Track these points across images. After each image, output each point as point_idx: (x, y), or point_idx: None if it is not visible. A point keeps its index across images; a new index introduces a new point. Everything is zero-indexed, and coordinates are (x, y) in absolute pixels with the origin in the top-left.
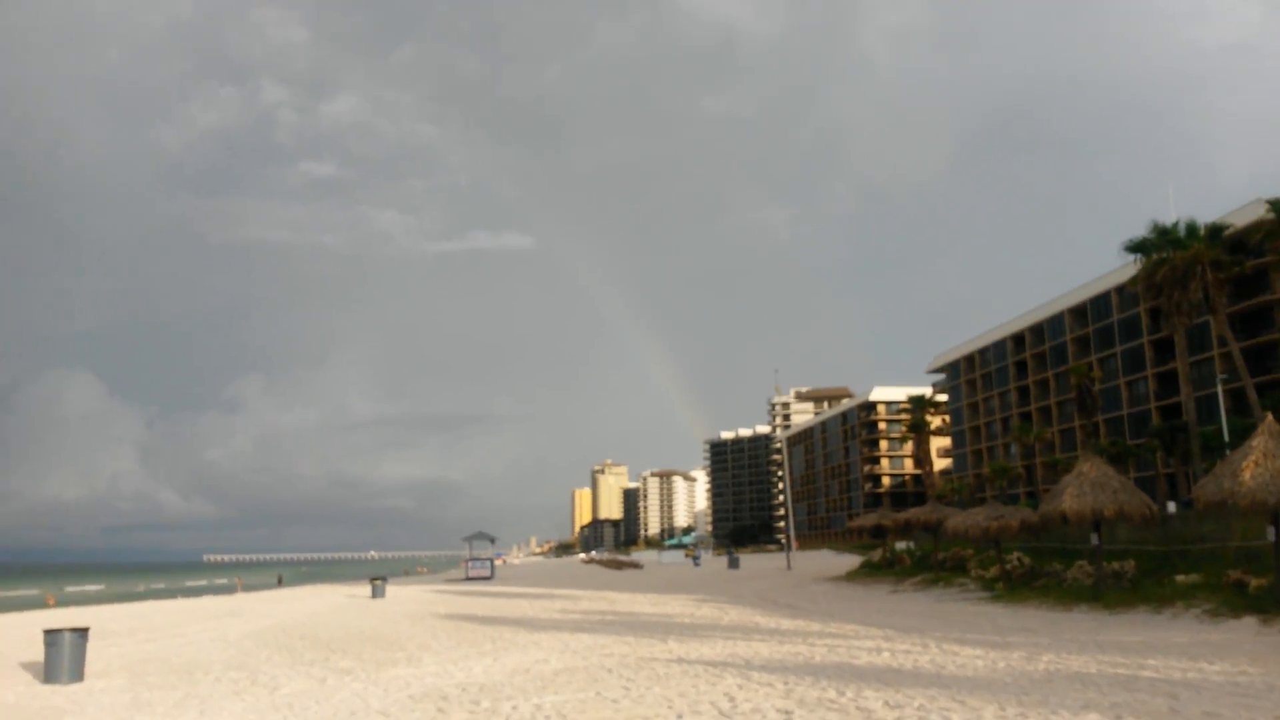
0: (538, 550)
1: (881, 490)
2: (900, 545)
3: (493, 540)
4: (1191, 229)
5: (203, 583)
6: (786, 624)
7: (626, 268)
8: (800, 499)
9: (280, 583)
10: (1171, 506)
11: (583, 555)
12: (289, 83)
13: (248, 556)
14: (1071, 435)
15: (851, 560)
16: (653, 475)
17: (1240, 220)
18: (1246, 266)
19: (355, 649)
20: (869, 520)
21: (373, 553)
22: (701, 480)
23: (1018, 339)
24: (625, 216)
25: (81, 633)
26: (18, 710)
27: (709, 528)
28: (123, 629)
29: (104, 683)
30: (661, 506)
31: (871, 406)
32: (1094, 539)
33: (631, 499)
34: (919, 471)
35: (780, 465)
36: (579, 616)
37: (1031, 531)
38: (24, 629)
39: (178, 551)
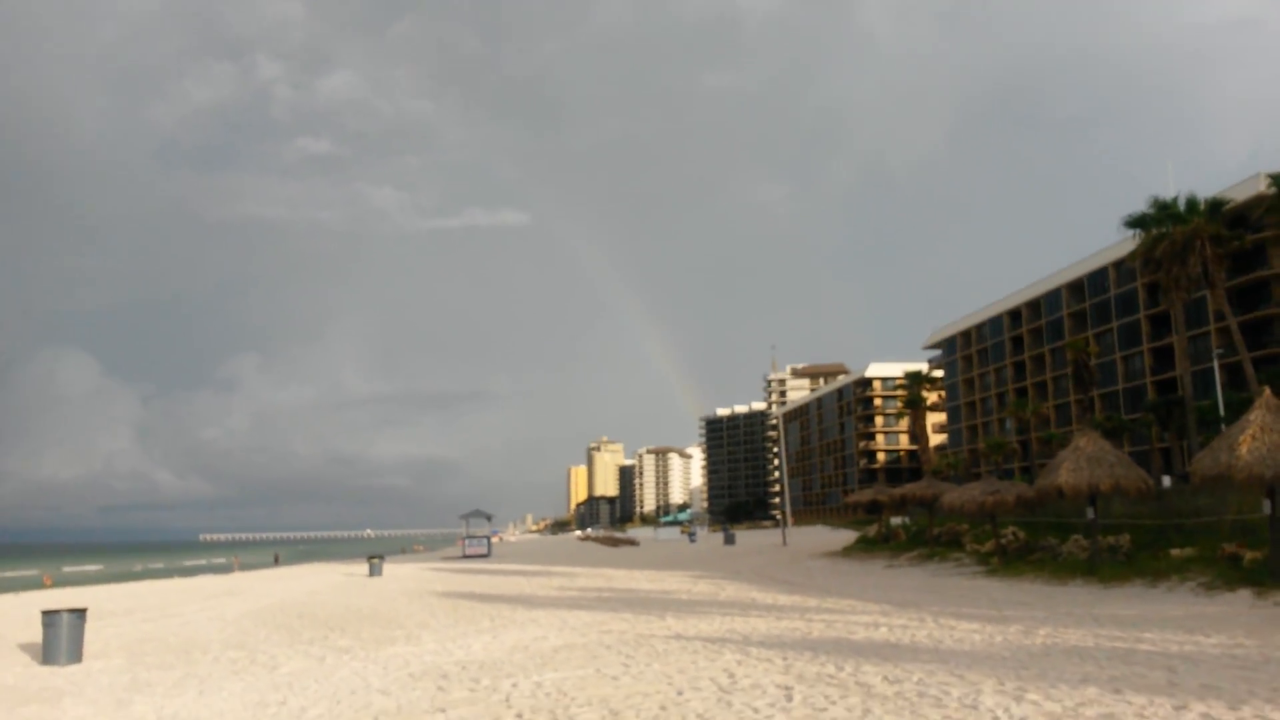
0: (534, 528)
1: (876, 466)
2: (895, 520)
3: (489, 518)
4: (1191, 204)
5: (201, 562)
6: (783, 600)
7: (623, 245)
8: (795, 475)
9: (277, 561)
10: (1167, 481)
11: (579, 533)
12: (285, 58)
13: (244, 535)
14: (1067, 410)
15: (847, 536)
16: (648, 452)
17: (1240, 195)
18: (1246, 241)
19: (354, 627)
20: (865, 496)
21: (369, 531)
22: (697, 457)
23: (1014, 314)
24: (622, 194)
25: (79, 613)
26: (17, 691)
27: (704, 504)
28: (120, 609)
29: (102, 663)
30: (657, 483)
31: (867, 383)
32: (1090, 513)
33: (627, 476)
34: (914, 447)
35: (776, 442)
36: (576, 594)
37: (1027, 506)
38: (21, 610)
39: (174, 531)
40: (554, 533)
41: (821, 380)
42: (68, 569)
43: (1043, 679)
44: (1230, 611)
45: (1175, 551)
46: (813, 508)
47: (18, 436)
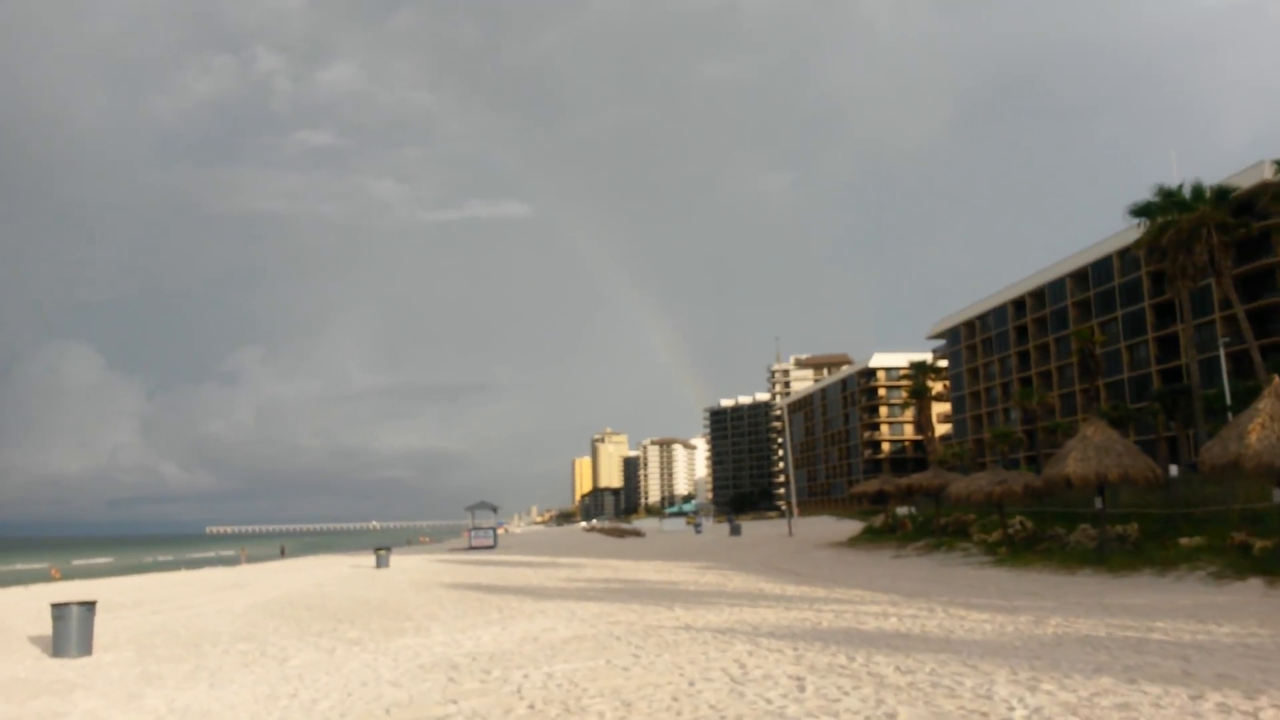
0: (538, 519)
1: (881, 456)
2: (902, 510)
3: (495, 509)
4: (1197, 191)
5: (209, 554)
6: (792, 590)
7: (625, 236)
8: (800, 466)
9: (283, 554)
10: (1173, 470)
11: (584, 524)
12: (284, 51)
13: (250, 528)
14: (1072, 400)
15: (852, 526)
16: (653, 443)
17: (1245, 182)
18: (1253, 228)
19: (363, 619)
20: (871, 486)
21: (375, 523)
22: (701, 448)
23: (1018, 304)
24: (623, 184)
25: (89, 606)
26: (28, 684)
27: (709, 495)
28: (129, 601)
29: (112, 656)
30: (662, 475)
31: (871, 373)
32: (1098, 502)
33: (632, 467)
34: (919, 437)
35: (780, 432)
36: (584, 584)
37: (1034, 496)
38: (31, 603)
39: (181, 523)
40: (559, 524)
41: (825, 371)
42: (77, 562)
43: (1056, 669)
44: (1241, 600)
45: (1184, 541)
46: (817, 498)
47: (24, 430)
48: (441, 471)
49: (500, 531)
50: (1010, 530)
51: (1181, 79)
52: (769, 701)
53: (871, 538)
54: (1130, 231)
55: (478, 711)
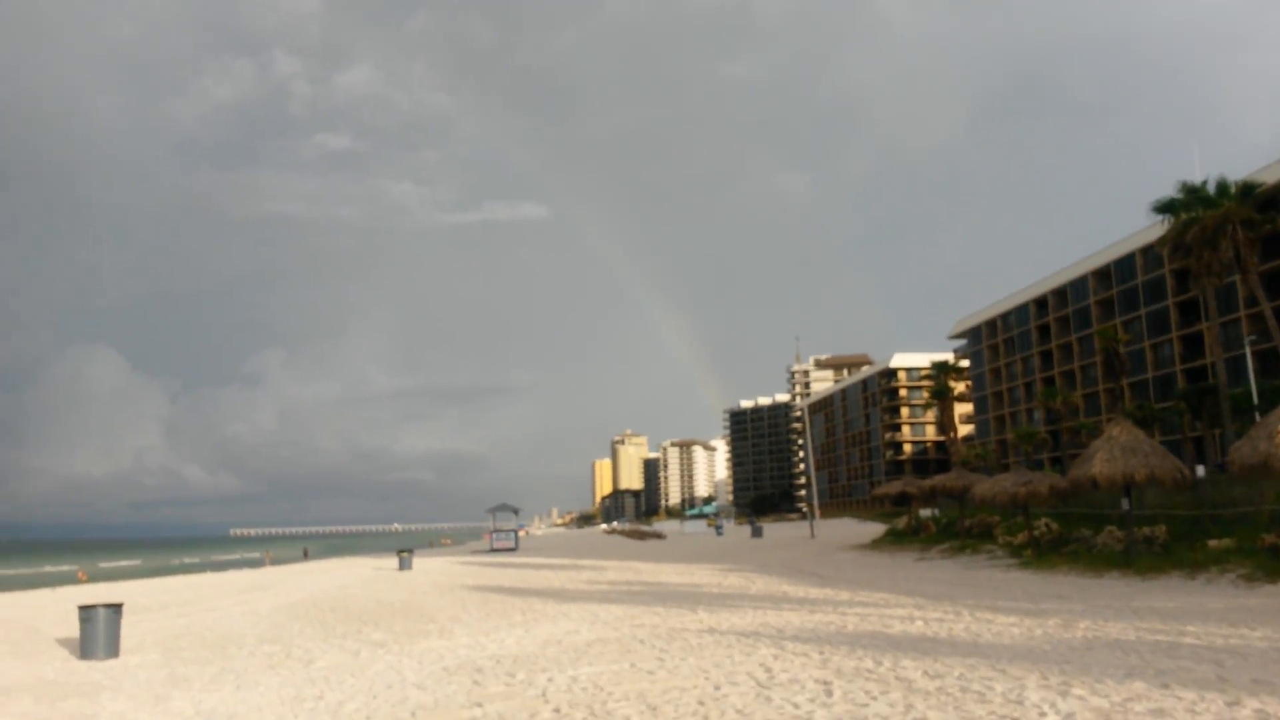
0: (559, 521)
1: (903, 458)
2: (925, 512)
3: (516, 511)
4: (1222, 187)
5: (234, 557)
6: (815, 593)
7: (643, 236)
8: (821, 467)
9: (306, 556)
10: (1200, 470)
11: (604, 526)
12: (302, 54)
13: (273, 530)
14: (1095, 399)
15: (874, 528)
16: (673, 445)
17: (1270, 178)
18: (1278, 224)
19: (386, 621)
20: (894, 487)
21: (396, 525)
22: (721, 450)
23: (1040, 302)
24: (641, 184)
25: (116, 608)
26: (56, 686)
27: (729, 497)
28: (155, 604)
29: (139, 658)
30: (682, 476)
31: (892, 373)
32: (1124, 504)
33: (652, 469)
34: (941, 438)
35: (800, 434)
36: (606, 587)
37: (1060, 497)
38: (58, 605)
39: (204, 526)
40: (579, 526)
41: (845, 371)
42: (104, 564)
43: (1087, 673)
44: (1273, 604)
45: (1213, 542)
46: (838, 500)
47: (48, 434)
48: (462, 473)
49: (521, 534)
50: (1036, 532)
51: (1202, 74)
52: (796, 706)
53: (894, 540)
54: (1153, 228)
55: (503, 715)
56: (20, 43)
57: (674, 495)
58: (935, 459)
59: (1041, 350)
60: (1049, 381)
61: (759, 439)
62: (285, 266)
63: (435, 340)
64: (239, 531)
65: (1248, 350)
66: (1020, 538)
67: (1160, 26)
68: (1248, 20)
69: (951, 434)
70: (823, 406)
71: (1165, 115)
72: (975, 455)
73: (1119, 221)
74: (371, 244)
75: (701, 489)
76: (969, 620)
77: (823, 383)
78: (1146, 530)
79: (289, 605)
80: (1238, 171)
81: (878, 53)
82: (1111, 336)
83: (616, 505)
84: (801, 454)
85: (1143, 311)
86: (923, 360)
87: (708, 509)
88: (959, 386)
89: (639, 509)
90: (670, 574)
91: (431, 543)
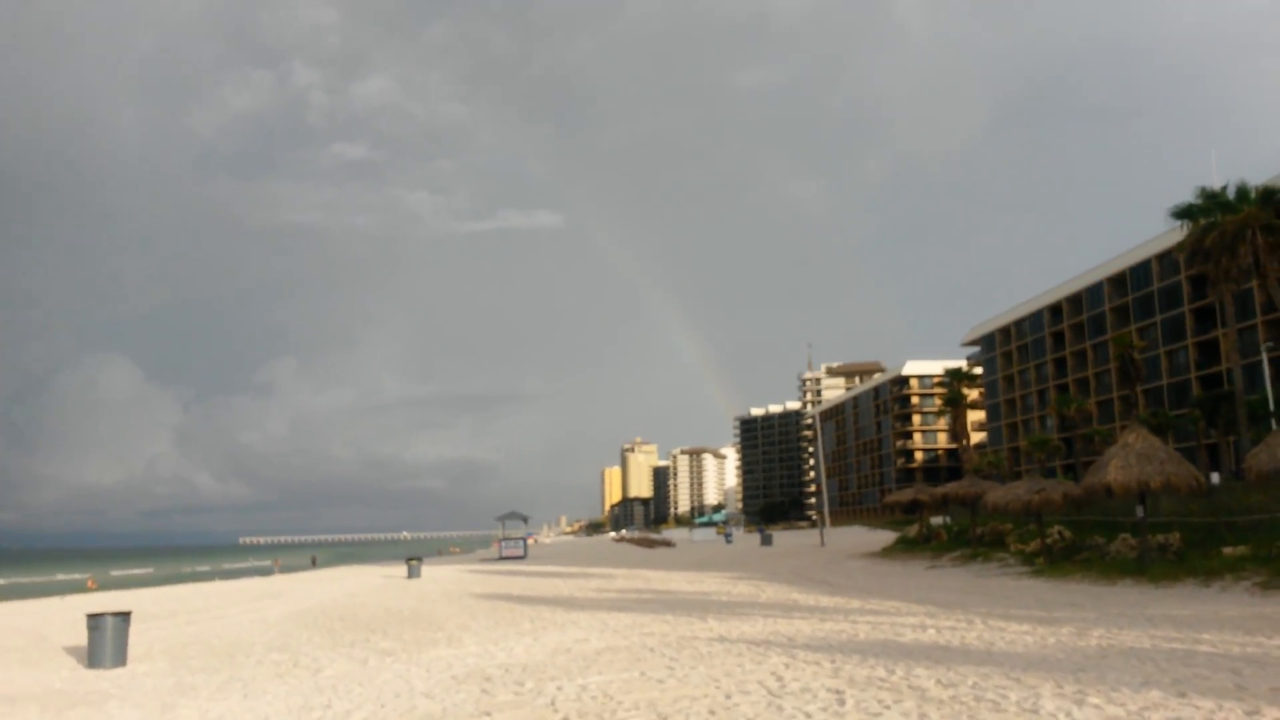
0: (568, 529)
1: (914, 466)
2: (936, 520)
3: (526, 519)
4: (1242, 192)
5: (243, 565)
6: (826, 601)
7: (657, 244)
8: (832, 475)
9: (315, 564)
10: (1215, 477)
11: (614, 534)
12: (320, 64)
13: (282, 538)
14: (1110, 407)
15: (885, 536)
16: (682, 453)
17: None
18: None
19: (395, 630)
20: (905, 495)
21: (405, 533)
22: (731, 458)
23: (1054, 309)
24: (655, 192)
25: (124, 616)
26: (63, 695)
27: (739, 505)
28: (163, 612)
29: (147, 666)
30: (691, 484)
31: (904, 381)
32: (1139, 511)
33: (661, 477)
34: (952, 446)
35: (811, 441)
36: (616, 595)
37: (1073, 505)
38: (66, 613)
39: (214, 534)
40: (588, 534)
41: (857, 379)
42: (116, 572)
43: (1102, 682)
44: None
45: (1228, 550)
46: (849, 508)
47: (61, 442)
48: (472, 481)
49: (530, 542)
50: (1048, 540)
51: (1219, 79)
52: (808, 716)
53: (905, 548)
54: (1169, 235)
55: None
56: (43, 54)
57: (683, 503)
58: (947, 467)
59: (1055, 357)
60: (1063, 389)
61: (769, 447)
62: (301, 275)
63: (449, 348)
64: (248, 539)
65: (1264, 357)
66: (1033, 546)
67: (1177, 31)
68: (1265, 25)
69: (964, 441)
70: (834, 414)
71: (1182, 121)
72: (987, 463)
73: (1135, 227)
74: (387, 253)
75: (711, 497)
76: (982, 628)
77: (834, 390)
78: (1160, 538)
79: (297, 613)
80: (1256, 177)
81: (894, 59)
82: (1127, 343)
83: (626, 513)
84: (811, 462)
85: (1158, 318)
86: (935, 367)
87: (717, 517)
88: (972, 394)
89: (648, 517)
90: (680, 582)
91: (440, 551)
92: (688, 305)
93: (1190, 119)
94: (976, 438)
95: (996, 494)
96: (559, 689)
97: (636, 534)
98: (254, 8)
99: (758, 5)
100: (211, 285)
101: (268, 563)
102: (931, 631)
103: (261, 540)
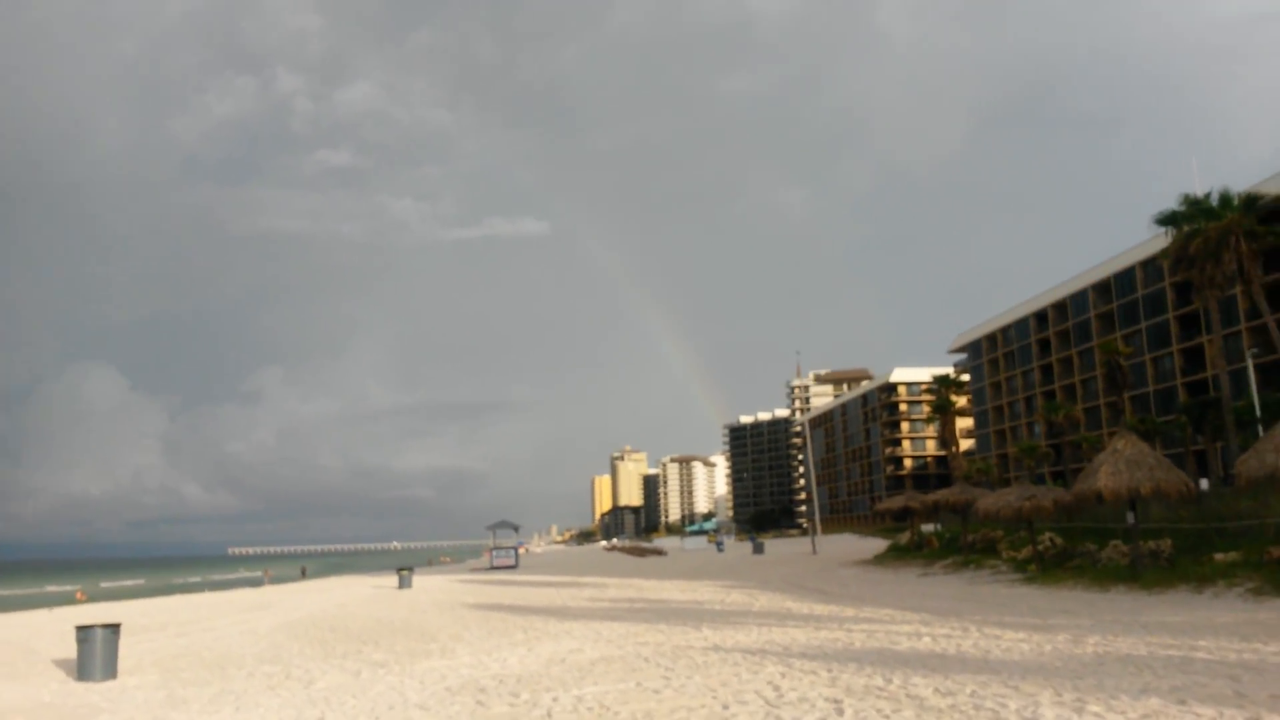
0: (558, 538)
1: (903, 473)
2: (927, 528)
3: (517, 528)
4: (1225, 199)
5: (236, 576)
6: (820, 609)
7: (643, 251)
8: (821, 483)
9: (304, 575)
10: (1204, 483)
11: (604, 543)
12: (304, 71)
13: (271, 549)
14: (1096, 413)
15: (875, 544)
16: (672, 461)
17: (1273, 190)
18: None
19: (387, 640)
20: (896, 502)
21: (395, 543)
22: (721, 465)
23: (1040, 316)
24: (641, 199)
25: (113, 629)
26: (54, 709)
27: (729, 513)
28: (153, 624)
29: (137, 679)
30: (682, 492)
31: (892, 388)
32: (1130, 517)
33: (651, 485)
34: (941, 453)
35: (800, 449)
36: (609, 604)
37: (1064, 511)
38: (55, 625)
39: (202, 545)
40: (579, 543)
41: (845, 386)
42: (106, 584)
43: (1101, 689)
44: None
45: (1219, 556)
46: (839, 515)
47: (47, 452)
48: (461, 491)
49: (521, 551)
50: (1040, 547)
51: (1202, 88)
52: None
53: (897, 555)
54: (1153, 242)
55: None
56: (26, 60)
57: (674, 512)
58: (936, 474)
59: (1042, 364)
60: (1049, 395)
61: (759, 454)
62: (286, 283)
63: (435, 356)
64: (237, 550)
65: (1250, 363)
66: (1025, 552)
67: (1160, 40)
68: (1247, 34)
69: (953, 448)
70: (823, 421)
71: (1165, 129)
72: (976, 470)
73: (1119, 235)
74: (372, 260)
75: (701, 505)
76: (977, 636)
77: (822, 398)
78: (1151, 544)
79: (288, 625)
80: (1236, 184)
81: (878, 67)
82: (1114, 349)
83: (616, 522)
84: (801, 469)
85: (1143, 325)
86: (923, 374)
87: (708, 525)
88: (960, 401)
89: (639, 525)
90: (672, 591)
91: (431, 561)
92: (675, 312)
93: (1172, 127)
94: (965, 444)
95: (987, 501)
96: (554, 700)
97: (627, 543)
98: (237, 14)
99: (741, 13)
100: (196, 293)
101: (258, 574)
102: (927, 639)
103: (250, 551)
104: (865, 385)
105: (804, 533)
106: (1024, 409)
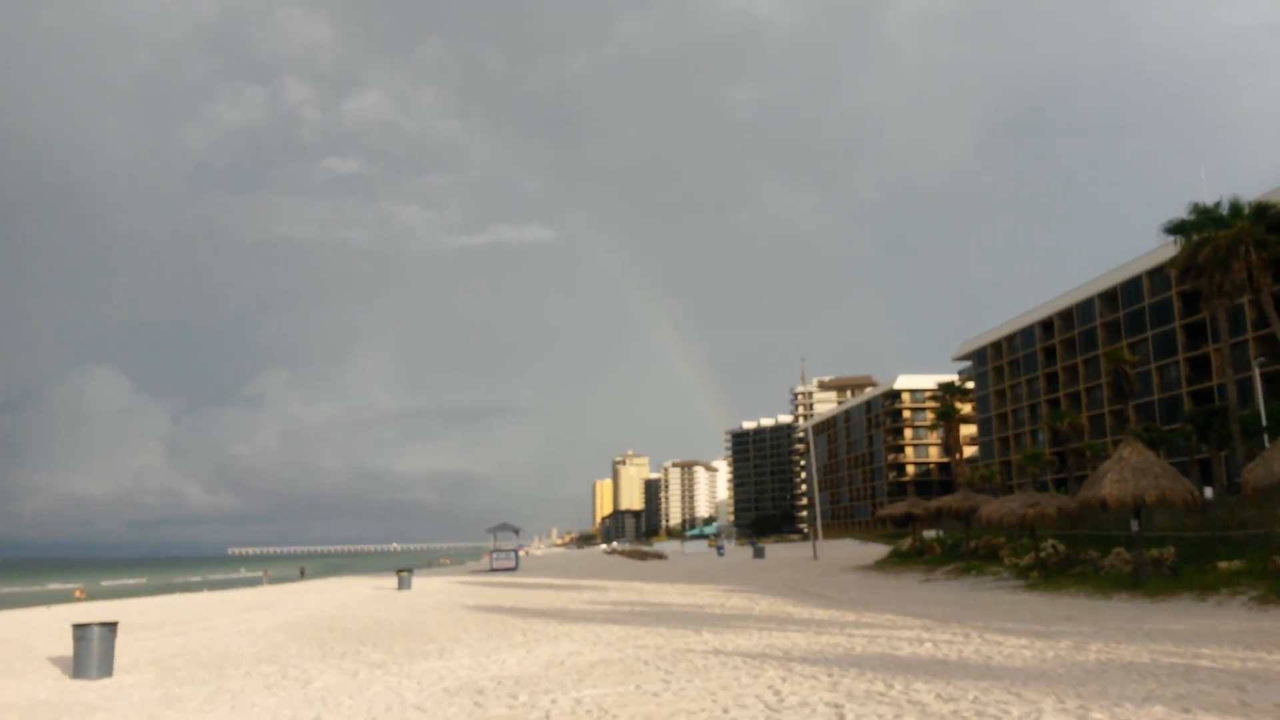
0: (559, 542)
1: (905, 479)
2: (929, 534)
3: (517, 531)
4: (1235, 208)
5: (236, 575)
6: (821, 614)
7: (649, 259)
8: (823, 489)
9: (303, 575)
10: (1209, 492)
11: (605, 546)
12: (313, 80)
13: (272, 549)
14: (1101, 421)
15: (877, 549)
16: (674, 466)
17: None
18: None
19: (385, 641)
20: (899, 508)
21: (396, 545)
22: (723, 470)
23: (1046, 325)
24: (647, 208)
25: (110, 627)
26: (49, 706)
27: (730, 518)
28: (151, 622)
29: (133, 677)
30: (683, 497)
31: (896, 395)
32: (1134, 525)
33: (653, 490)
34: (944, 460)
35: (802, 455)
36: (608, 607)
37: (1067, 519)
38: (53, 623)
39: (203, 545)
40: (579, 546)
41: (849, 393)
42: (106, 583)
43: (1104, 697)
44: None
45: (1223, 564)
46: (840, 521)
47: (50, 452)
48: (463, 493)
49: (521, 554)
50: (1043, 554)
51: (1208, 98)
52: None
53: (898, 561)
54: (1161, 251)
55: None
56: (35, 69)
57: (675, 516)
58: (938, 480)
59: (1047, 372)
60: (1054, 403)
61: (761, 460)
62: (292, 289)
63: (440, 361)
64: (237, 550)
65: (1256, 372)
66: (1027, 559)
67: (1166, 50)
68: (1254, 44)
69: (957, 455)
70: (826, 428)
71: (1171, 138)
72: (980, 477)
73: (1127, 243)
74: (379, 266)
75: (702, 509)
76: (979, 642)
77: (826, 404)
78: (1155, 552)
79: (287, 625)
80: (1244, 193)
81: (885, 77)
82: (1120, 357)
83: (617, 525)
84: (803, 475)
85: (1149, 334)
86: (927, 382)
87: (708, 529)
88: (964, 408)
89: (639, 529)
90: (673, 594)
91: (431, 562)
92: (680, 319)
93: (1179, 137)
94: (968, 451)
95: (990, 508)
96: (553, 702)
97: (628, 546)
98: (247, 24)
99: (749, 24)
100: (203, 298)
101: (257, 574)
102: (929, 645)
103: (250, 551)
104: (869, 392)
105: (805, 538)
106: (1028, 416)
